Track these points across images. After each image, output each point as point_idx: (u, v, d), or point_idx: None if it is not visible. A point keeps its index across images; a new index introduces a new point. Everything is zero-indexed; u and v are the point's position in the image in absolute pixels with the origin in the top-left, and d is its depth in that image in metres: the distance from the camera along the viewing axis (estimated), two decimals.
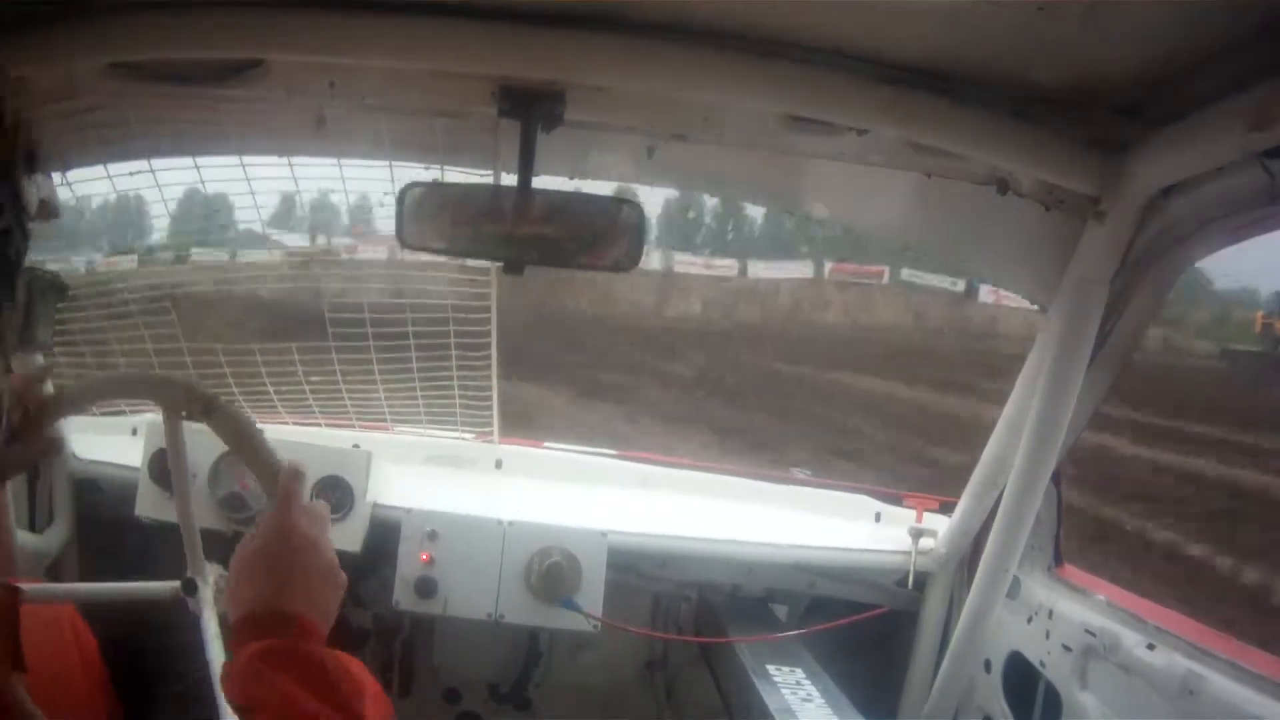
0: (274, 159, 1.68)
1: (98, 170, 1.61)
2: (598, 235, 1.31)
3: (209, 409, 1.12)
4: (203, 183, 1.78)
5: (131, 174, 1.66)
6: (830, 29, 1.13)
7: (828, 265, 31.14)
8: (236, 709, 0.82)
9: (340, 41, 1.17)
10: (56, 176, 1.59)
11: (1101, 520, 8.52)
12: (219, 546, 1.83)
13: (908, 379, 17.23)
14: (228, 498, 1.81)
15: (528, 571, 1.83)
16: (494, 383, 2.28)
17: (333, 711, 0.77)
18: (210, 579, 1.33)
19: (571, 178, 1.50)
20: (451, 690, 2.22)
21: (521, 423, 7.74)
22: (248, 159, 1.69)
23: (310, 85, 1.31)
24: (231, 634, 0.86)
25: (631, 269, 1.31)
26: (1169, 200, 1.28)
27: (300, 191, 1.88)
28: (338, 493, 1.85)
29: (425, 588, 1.80)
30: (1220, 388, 18.15)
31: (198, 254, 2.83)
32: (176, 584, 1.29)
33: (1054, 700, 1.58)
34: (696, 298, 29.32)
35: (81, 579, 1.90)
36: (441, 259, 2.05)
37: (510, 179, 1.31)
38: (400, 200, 1.30)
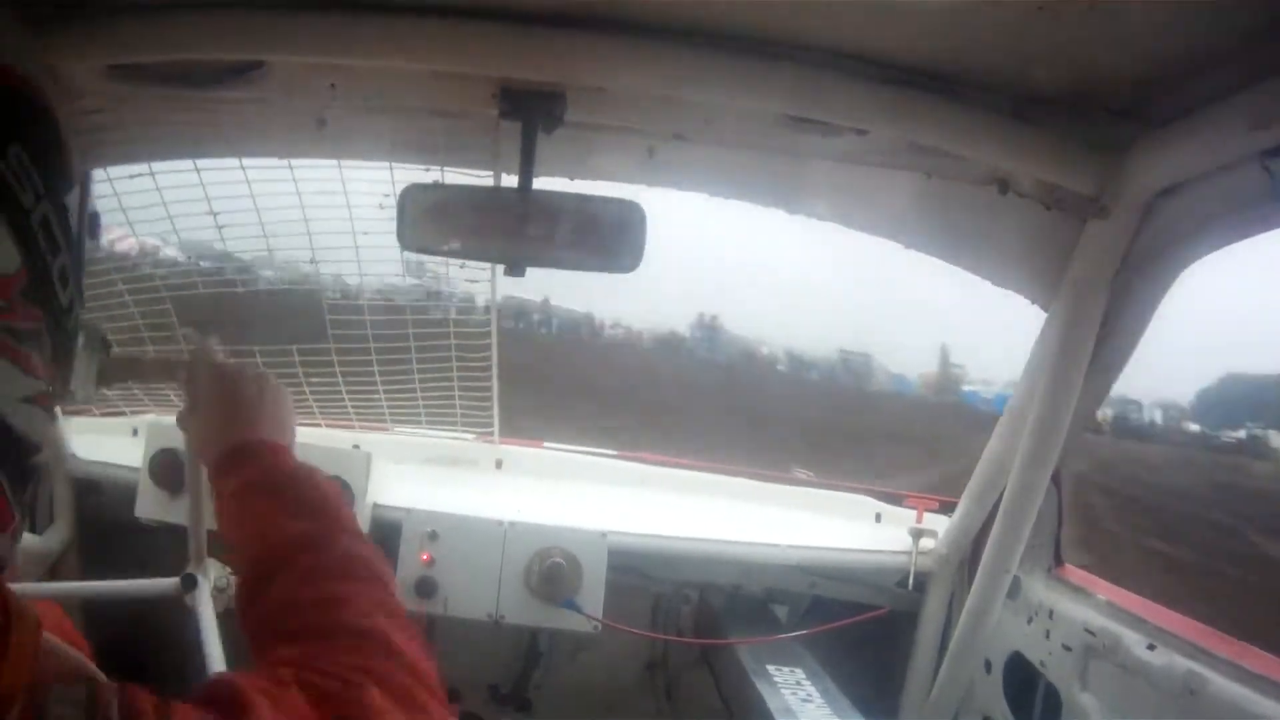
0: (274, 161, 1.68)
1: (98, 173, 1.61)
2: (599, 236, 1.31)
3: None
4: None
5: (131, 176, 1.66)
6: (830, 29, 1.13)
7: None
8: (230, 547, 0.87)
9: (341, 43, 1.17)
10: None
11: None
12: (220, 546, 1.85)
13: None
14: None
15: (528, 572, 1.83)
16: (494, 383, 2.27)
17: (309, 522, 0.81)
18: (211, 575, 1.34)
19: (572, 179, 1.49)
20: (451, 691, 2.22)
21: None
22: (247, 161, 1.69)
23: (311, 87, 1.30)
24: (211, 477, 0.90)
25: (633, 270, 1.31)
26: (1169, 200, 1.28)
27: None
28: None
29: (425, 588, 1.80)
30: None
31: None
32: (176, 580, 1.29)
33: (1054, 700, 1.58)
34: None
35: (82, 580, 1.89)
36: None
37: (510, 180, 1.31)
38: (401, 202, 1.30)
